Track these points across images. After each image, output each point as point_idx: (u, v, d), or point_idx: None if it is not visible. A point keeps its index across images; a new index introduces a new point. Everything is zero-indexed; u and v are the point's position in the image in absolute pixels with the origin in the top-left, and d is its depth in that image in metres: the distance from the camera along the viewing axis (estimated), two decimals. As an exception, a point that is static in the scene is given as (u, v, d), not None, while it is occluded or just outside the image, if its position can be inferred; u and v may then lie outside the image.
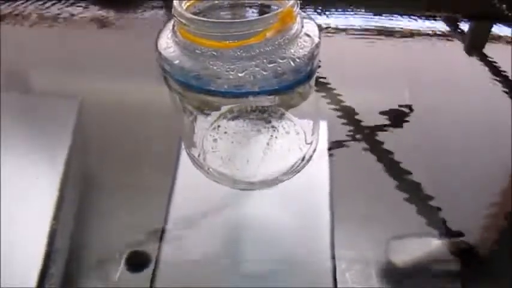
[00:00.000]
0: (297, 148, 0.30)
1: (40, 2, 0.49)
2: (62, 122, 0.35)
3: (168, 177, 0.31)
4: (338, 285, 0.26)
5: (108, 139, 0.35)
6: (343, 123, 0.35)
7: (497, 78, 0.39)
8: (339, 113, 0.36)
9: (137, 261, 0.27)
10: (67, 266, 0.27)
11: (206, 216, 0.29)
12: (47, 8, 0.48)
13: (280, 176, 0.29)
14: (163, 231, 0.28)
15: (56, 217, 0.29)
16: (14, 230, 0.28)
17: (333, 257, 0.27)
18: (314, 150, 0.30)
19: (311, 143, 0.30)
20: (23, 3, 0.49)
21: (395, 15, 0.46)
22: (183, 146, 0.32)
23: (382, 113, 0.36)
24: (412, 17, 0.46)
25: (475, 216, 0.30)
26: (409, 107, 0.36)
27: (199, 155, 0.29)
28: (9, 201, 0.30)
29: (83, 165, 0.33)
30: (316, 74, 0.26)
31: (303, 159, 0.29)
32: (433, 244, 0.28)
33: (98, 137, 0.35)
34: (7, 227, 0.28)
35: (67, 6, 0.48)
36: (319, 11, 0.47)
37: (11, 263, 0.27)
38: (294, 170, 0.29)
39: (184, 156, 0.31)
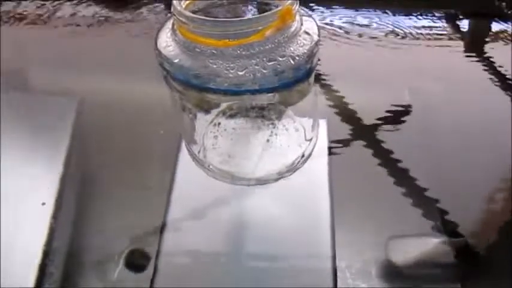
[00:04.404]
0: (296, 145, 0.30)
1: (40, 2, 0.49)
2: (61, 121, 0.35)
3: (167, 176, 0.31)
4: (338, 284, 0.26)
5: (107, 138, 0.35)
6: (343, 122, 0.35)
7: (497, 77, 0.39)
8: (339, 112, 0.36)
9: (137, 260, 0.27)
10: (66, 265, 0.27)
11: (206, 213, 0.30)
12: (46, 7, 0.48)
13: (280, 173, 0.29)
14: (162, 229, 0.28)
15: (55, 216, 0.29)
16: (13, 229, 0.28)
17: (333, 256, 0.27)
18: (313, 147, 0.30)
19: (310, 140, 0.30)
20: (22, 3, 0.49)
21: (394, 14, 0.46)
22: (182, 144, 0.32)
23: (382, 111, 0.36)
24: (411, 15, 0.46)
25: (474, 215, 0.30)
26: (409, 105, 0.36)
27: (199, 152, 0.29)
28: (8, 200, 0.30)
29: (82, 164, 0.33)
30: (316, 72, 0.26)
31: (302, 156, 0.29)
32: (433, 243, 0.28)
33: (97, 136, 0.35)
34: (6, 226, 0.28)
35: (66, 6, 0.48)
36: (319, 9, 0.47)
37: (11, 263, 0.27)
38: (294, 167, 0.29)
39: (183, 154, 0.31)
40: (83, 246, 0.29)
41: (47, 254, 0.27)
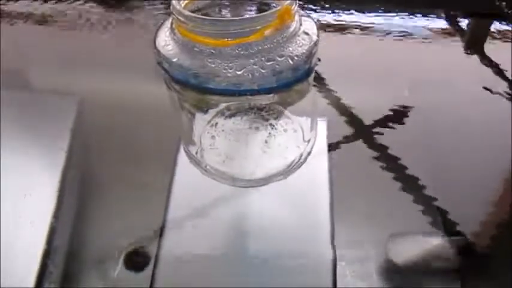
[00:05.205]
0: (294, 146, 0.30)
1: (40, 1, 0.49)
2: (61, 120, 0.35)
3: (167, 175, 0.31)
4: (338, 283, 0.26)
5: (107, 137, 0.35)
6: (343, 121, 0.35)
7: (497, 76, 0.39)
8: (338, 111, 0.36)
9: (136, 260, 0.27)
10: (66, 265, 0.27)
11: (205, 213, 0.30)
12: (47, 6, 0.48)
13: (278, 174, 0.29)
14: (162, 229, 0.28)
15: (56, 215, 0.29)
16: (14, 229, 0.28)
17: (333, 255, 0.27)
18: (312, 148, 0.30)
19: (309, 141, 0.30)
20: (23, 2, 0.49)
21: (395, 13, 0.46)
22: (181, 144, 0.32)
23: (382, 110, 0.36)
24: (411, 14, 0.46)
25: (474, 214, 0.30)
26: (409, 105, 0.36)
27: (196, 153, 0.29)
28: (8, 199, 0.30)
29: (82, 163, 0.33)
30: (316, 72, 0.26)
31: (300, 157, 0.29)
32: (433, 242, 0.28)
33: (97, 135, 0.35)
34: (7, 225, 0.28)
35: (67, 5, 0.48)
36: (319, 8, 0.47)
37: (11, 262, 0.27)
38: (292, 168, 0.29)
39: (183, 154, 0.31)
40: (83, 245, 0.29)
41: (47, 253, 0.27)
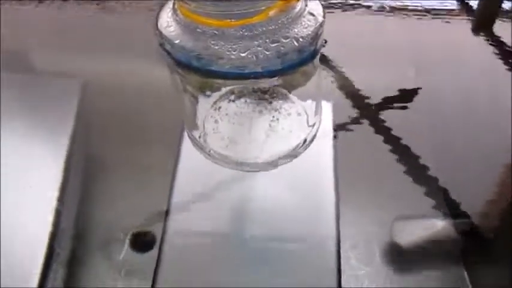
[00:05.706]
0: (298, 130, 0.29)
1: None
2: (64, 103, 0.35)
3: (172, 158, 0.31)
4: (342, 265, 0.26)
5: (111, 120, 0.35)
6: (349, 104, 0.35)
7: (506, 56, 0.39)
8: (344, 94, 0.36)
9: (142, 242, 0.28)
10: (73, 247, 0.28)
11: (210, 196, 0.30)
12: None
13: (282, 158, 0.28)
14: (167, 212, 0.28)
15: (61, 198, 0.29)
16: (19, 213, 0.29)
17: (338, 238, 0.27)
18: (316, 132, 0.30)
19: (313, 125, 0.29)
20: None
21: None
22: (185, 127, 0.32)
23: (389, 92, 0.36)
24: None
25: (479, 197, 0.30)
26: (416, 86, 0.36)
27: (200, 137, 0.29)
28: (13, 183, 0.30)
29: (86, 146, 0.33)
30: (322, 54, 0.26)
31: (304, 141, 0.29)
32: (437, 225, 0.28)
33: (101, 118, 0.35)
34: (12, 209, 0.29)
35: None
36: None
37: (18, 245, 0.27)
38: (296, 152, 0.29)
39: (187, 137, 0.31)
40: (89, 227, 0.29)
41: (53, 236, 0.28)
